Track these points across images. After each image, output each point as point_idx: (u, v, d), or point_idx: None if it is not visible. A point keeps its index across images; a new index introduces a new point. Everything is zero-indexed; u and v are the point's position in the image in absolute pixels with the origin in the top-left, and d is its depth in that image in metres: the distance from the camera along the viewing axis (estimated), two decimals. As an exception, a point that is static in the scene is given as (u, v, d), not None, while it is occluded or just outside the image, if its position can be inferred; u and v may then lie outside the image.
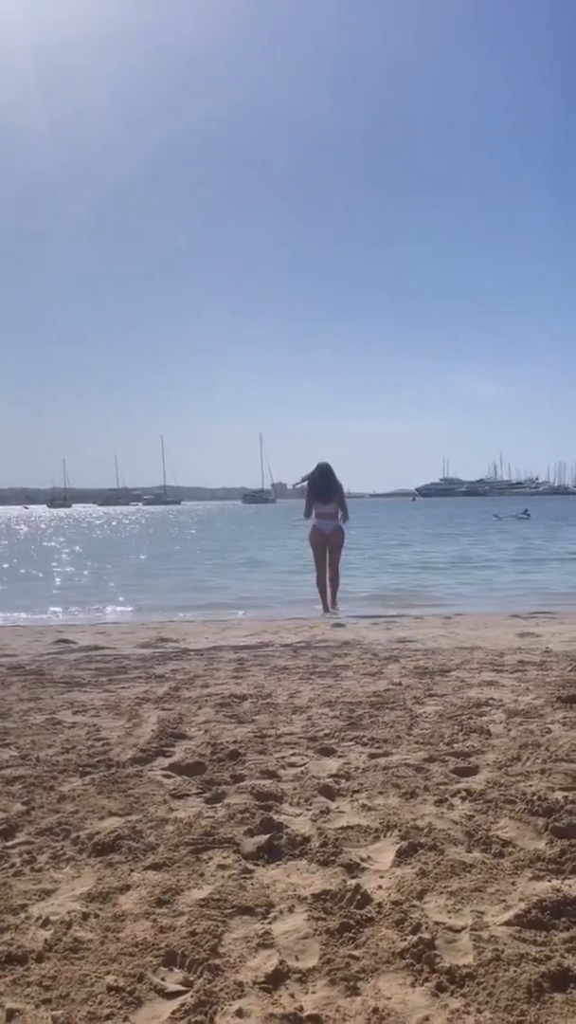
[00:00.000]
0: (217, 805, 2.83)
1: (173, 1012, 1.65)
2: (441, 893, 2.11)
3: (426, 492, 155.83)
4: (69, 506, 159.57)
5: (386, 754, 3.39)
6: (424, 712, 4.15)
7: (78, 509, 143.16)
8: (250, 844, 2.45)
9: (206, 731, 3.83)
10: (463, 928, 1.92)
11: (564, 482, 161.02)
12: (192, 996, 1.69)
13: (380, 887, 2.17)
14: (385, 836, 2.49)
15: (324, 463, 10.22)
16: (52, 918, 2.03)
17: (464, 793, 2.84)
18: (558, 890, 2.08)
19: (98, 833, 2.55)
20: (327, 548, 10.09)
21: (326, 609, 10.16)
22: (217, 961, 1.82)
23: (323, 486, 10.09)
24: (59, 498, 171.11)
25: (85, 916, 2.04)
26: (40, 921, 2.02)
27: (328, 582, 10.23)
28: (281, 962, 1.81)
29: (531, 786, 2.89)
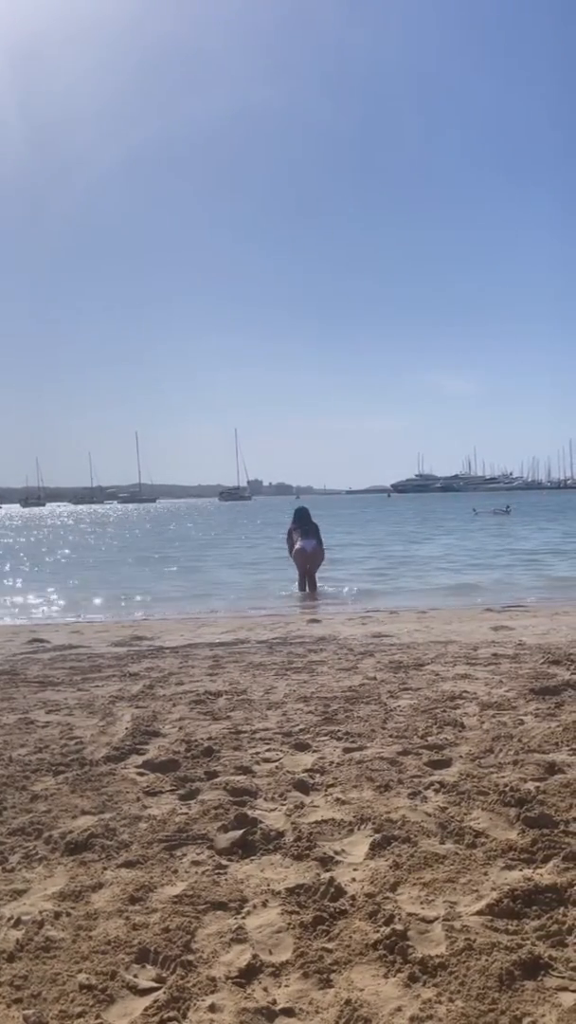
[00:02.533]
0: (191, 802, 2.82)
1: (146, 1008, 1.64)
2: (414, 884, 2.13)
3: (401, 488, 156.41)
4: (43, 505, 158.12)
5: (360, 748, 3.40)
6: (398, 706, 4.16)
7: (52, 508, 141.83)
8: (224, 840, 2.44)
9: (180, 728, 3.82)
10: (436, 919, 1.93)
11: (537, 477, 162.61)
12: (165, 992, 1.68)
13: (354, 880, 2.17)
14: (359, 829, 2.50)
15: (301, 508, 12.04)
16: (24, 918, 2.01)
17: (437, 785, 2.86)
18: (529, 879, 2.11)
19: (71, 832, 2.53)
20: (307, 563, 11.77)
21: (302, 589, 11.85)
22: (190, 957, 1.82)
23: (303, 528, 11.66)
24: (32, 497, 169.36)
25: (57, 915, 2.02)
26: (12, 921, 2.00)
27: (307, 587, 11.81)
28: (254, 956, 1.81)
29: (504, 777, 2.92)
